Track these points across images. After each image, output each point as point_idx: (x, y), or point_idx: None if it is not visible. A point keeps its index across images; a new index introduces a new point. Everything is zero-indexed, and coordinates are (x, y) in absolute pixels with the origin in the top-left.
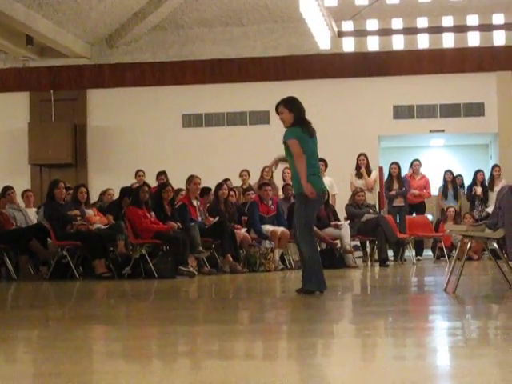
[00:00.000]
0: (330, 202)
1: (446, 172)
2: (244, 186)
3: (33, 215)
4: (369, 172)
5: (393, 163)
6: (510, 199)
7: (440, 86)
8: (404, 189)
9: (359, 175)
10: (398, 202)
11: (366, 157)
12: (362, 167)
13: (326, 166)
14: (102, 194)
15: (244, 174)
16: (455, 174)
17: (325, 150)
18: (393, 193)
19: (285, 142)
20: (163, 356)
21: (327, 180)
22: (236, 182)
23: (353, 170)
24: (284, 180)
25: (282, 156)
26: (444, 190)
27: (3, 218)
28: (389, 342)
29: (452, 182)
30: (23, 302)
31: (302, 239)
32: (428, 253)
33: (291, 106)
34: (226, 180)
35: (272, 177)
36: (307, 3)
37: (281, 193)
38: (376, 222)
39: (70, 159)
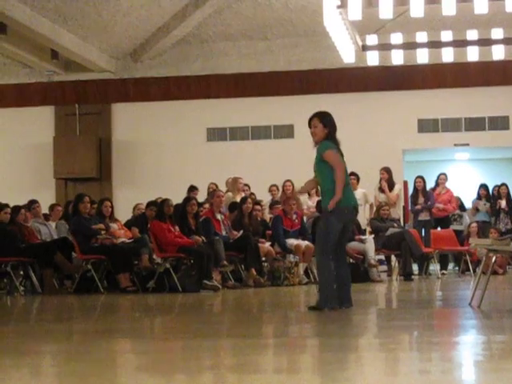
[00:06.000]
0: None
1: (480, 187)
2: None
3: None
4: (392, 186)
5: (418, 177)
6: None
7: (464, 100)
8: (429, 203)
9: (382, 190)
10: (424, 216)
11: (387, 171)
12: (383, 181)
13: (358, 180)
14: (134, 208)
15: (273, 188)
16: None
17: (349, 163)
18: (418, 207)
19: (320, 156)
20: (187, 370)
21: (360, 192)
22: (260, 195)
23: (376, 184)
24: (285, 193)
25: (308, 184)
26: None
27: (28, 232)
28: (414, 357)
29: (486, 196)
30: (48, 316)
31: (318, 255)
32: (453, 267)
33: (326, 121)
34: (251, 194)
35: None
36: (331, 17)
37: (309, 204)
38: (401, 236)
39: (94, 173)
